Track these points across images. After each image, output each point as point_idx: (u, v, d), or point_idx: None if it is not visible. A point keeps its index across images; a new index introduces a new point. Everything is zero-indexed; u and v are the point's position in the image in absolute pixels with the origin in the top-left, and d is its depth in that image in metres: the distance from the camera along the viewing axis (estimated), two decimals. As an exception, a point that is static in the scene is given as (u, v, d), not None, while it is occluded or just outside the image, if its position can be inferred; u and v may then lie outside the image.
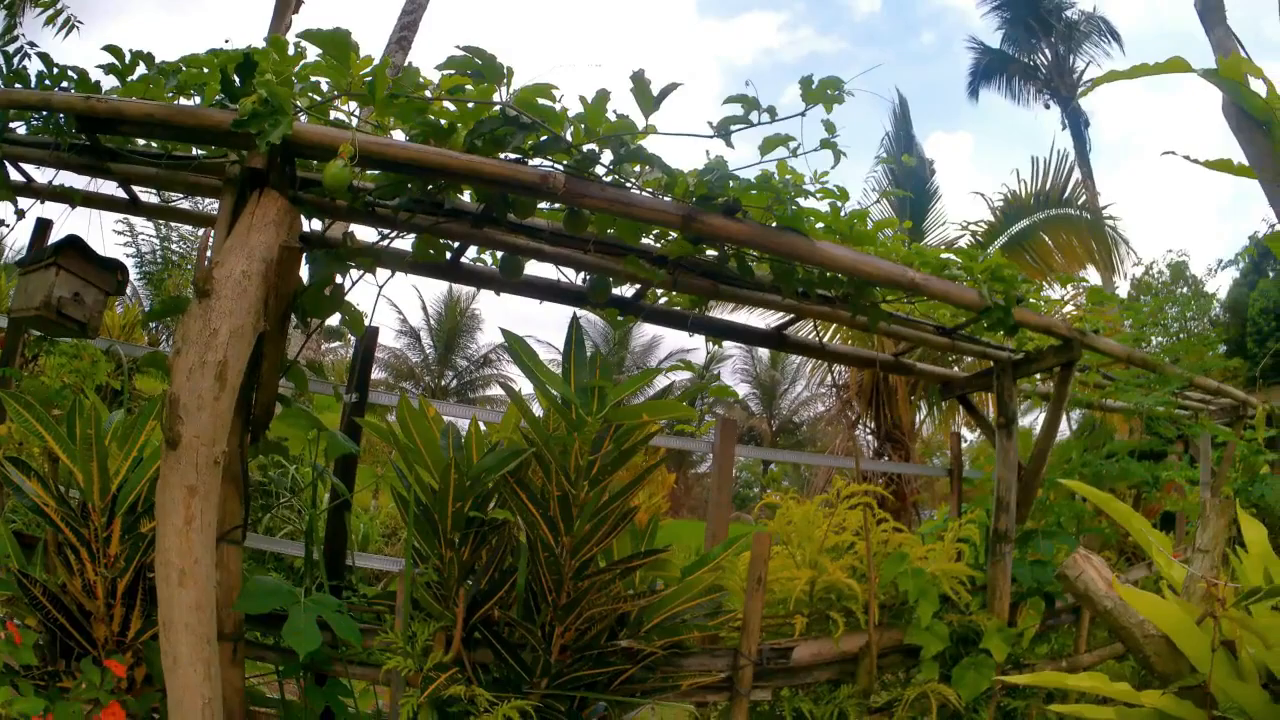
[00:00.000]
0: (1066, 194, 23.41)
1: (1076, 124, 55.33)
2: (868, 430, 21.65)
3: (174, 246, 21.88)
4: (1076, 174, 25.19)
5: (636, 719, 6.92)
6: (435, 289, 52.70)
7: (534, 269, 7.01)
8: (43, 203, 6.74)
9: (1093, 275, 23.37)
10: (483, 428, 6.40)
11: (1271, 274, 23.91)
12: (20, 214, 6.74)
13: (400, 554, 6.26)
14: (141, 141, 6.34)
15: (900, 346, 9.48)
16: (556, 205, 6.35)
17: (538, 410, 6.28)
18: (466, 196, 6.34)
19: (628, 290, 7.42)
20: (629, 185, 5.98)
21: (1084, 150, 54.07)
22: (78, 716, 5.18)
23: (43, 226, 7.04)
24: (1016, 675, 6.55)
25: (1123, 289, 23.06)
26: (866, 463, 18.45)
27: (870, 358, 9.73)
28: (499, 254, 6.84)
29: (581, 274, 7.07)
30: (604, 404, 5.77)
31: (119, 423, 6.04)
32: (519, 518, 5.99)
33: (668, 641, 6.51)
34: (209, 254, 5.31)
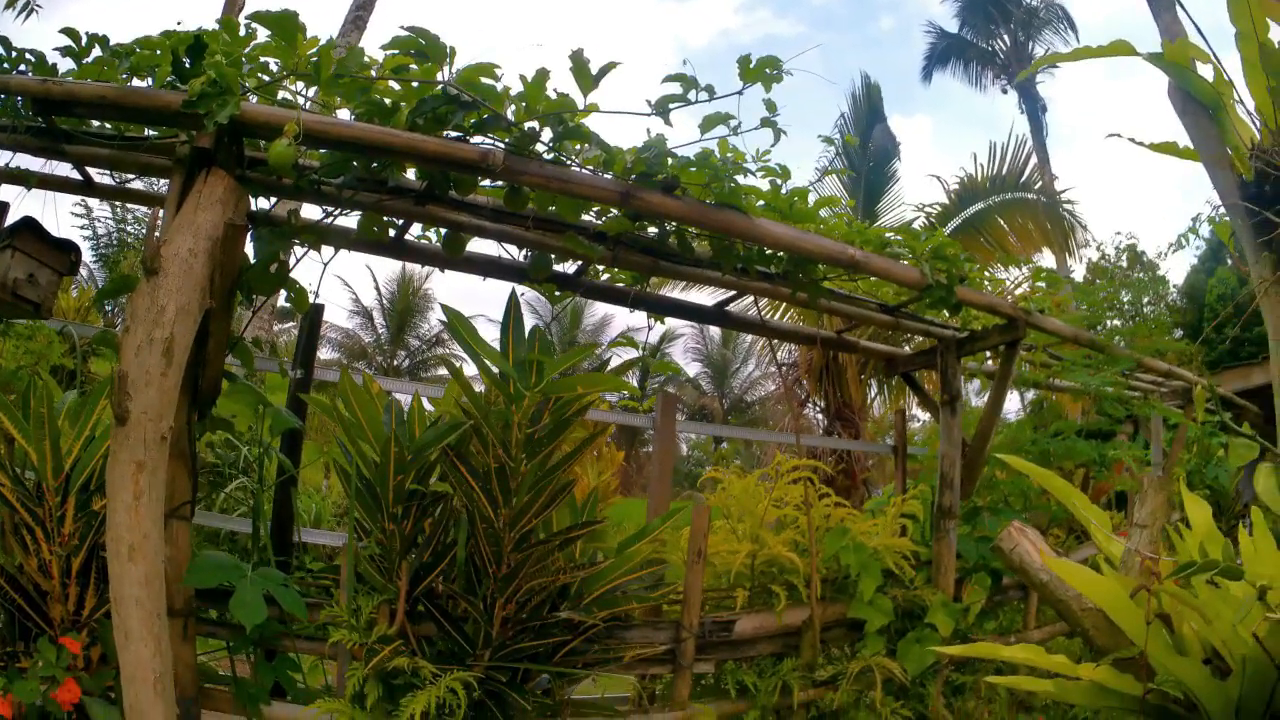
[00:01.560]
0: (1023, 178, 23.47)
1: (1034, 109, 55.55)
2: (817, 409, 21.71)
3: (130, 229, 21.82)
4: (1034, 159, 25.23)
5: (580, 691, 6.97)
6: (388, 269, 52.56)
7: (476, 246, 7.07)
8: (-2, 185, 6.77)
9: (1048, 259, 23.49)
10: (427, 404, 6.43)
11: (1229, 261, 24.02)
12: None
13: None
14: (96, 124, 6.37)
15: (846, 324, 9.55)
16: (498, 183, 6.41)
17: (479, 386, 6.33)
18: (411, 175, 6.37)
19: (570, 267, 7.47)
20: (569, 163, 6.02)
21: (1041, 136, 54.26)
22: (35, 694, 5.23)
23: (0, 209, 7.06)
24: (951, 647, 6.62)
25: (1079, 272, 23.16)
26: (812, 439, 18.50)
27: (812, 334, 9.78)
28: (442, 231, 6.88)
29: (523, 251, 7.11)
30: (542, 378, 5.81)
31: (72, 402, 6.09)
32: (459, 491, 6.04)
33: (609, 613, 6.54)
34: (158, 232, 5.35)
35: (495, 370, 5.91)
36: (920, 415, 23.19)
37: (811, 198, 7.09)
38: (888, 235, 7.67)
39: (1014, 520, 6.03)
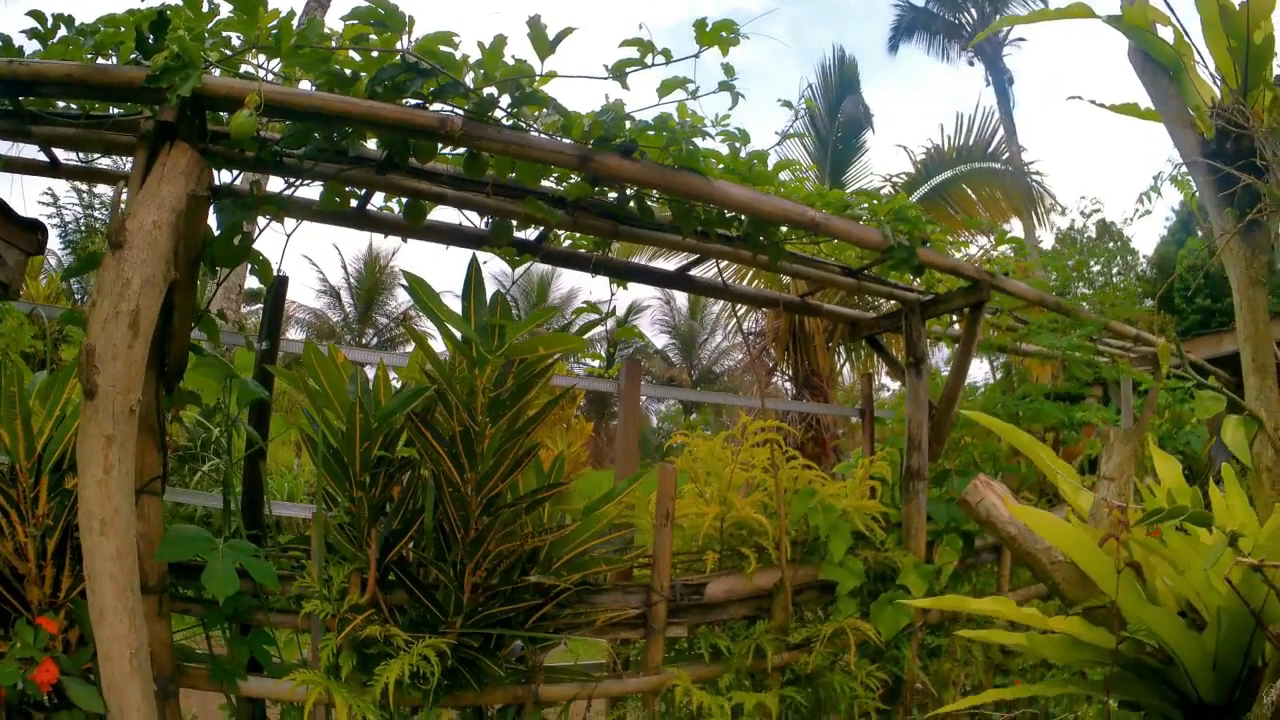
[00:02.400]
0: (991, 149, 23.56)
1: (1000, 82, 55.73)
2: (785, 377, 21.75)
3: (97, 214, 21.78)
4: (1001, 130, 25.33)
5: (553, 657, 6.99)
6: (354, 247, 52.43)
7: (438, 215, 7.09)
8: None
9: (1017, 228, 23.55)
10: (392, 375, 6.45)
11: (1200, 232, 24.10)
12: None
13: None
14: (62, 105, 6.37)
15: (810, 289, 9.57)
16: (458, 151, 6.43)
17: (443, 353, 6.35)
18: (372, 145, 6.39)
19: (532, 234, 7.48)
20: (528, 129, 6.04)
21: (1007, 107, 54.44)
22: (13, 677, 5.23)
23: (-34, 196, 7.05)
24: (920, 600, 6.64)
25: (1048, 243, 23.24)
26: (780, 403, 18.53)
27: (775, 298, 9.81)
28: (404, 201, 6.90)
29: (485, 219, 7.13)
30: (504, 342, 5.82)
31: (42, 383, 6.08)
32: (425, 456, 6.05)
33: (578, 577, 6.58)
34: (123, 207, 5.36)
35: (458, 335, 5.92)
36: (890, 385, 23.27)
37: (772, 161, 7.12)
38: (848, 197, 7.69)
39: (980, 475, 6.05)
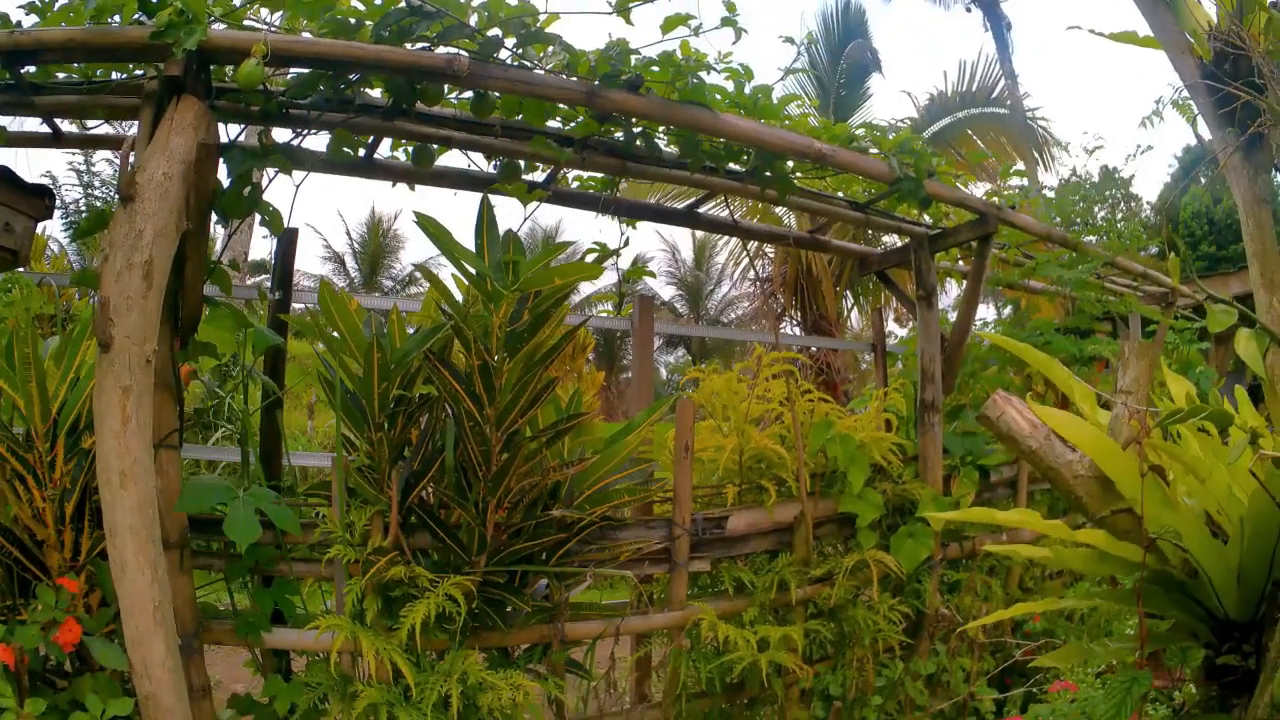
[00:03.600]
0: (994, 94, 23.57)
1: (999, 28, 55.48)
2: (794, 322, 21.75)
3: (98, 193, 21.74)
4: (1003, 77, 25.33)
5: (579, 595, 7.00)
6: (357, 214, 52.44)
7: (445, 161, 7.11)
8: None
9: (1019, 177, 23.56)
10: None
11: (1203, 180, 24.15)
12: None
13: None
14: (63, 76, 6.37)
15: (817, 224, 9.58)
16: (465, 94, 6.45)
17: (457, 296, 6.36)
18: (377, 94, 6.40)
19: (539, 176, 7.47)
20: (532, 68, 6.05)
21: (1006, 53, 54.26)
22: (35, 639, 5.22)
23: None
24: (947, 513, 6.63)
25: (1053, 188, 23.24)
26: (792, 338, 18.54)
27: (784, 233, 9.80)
28: (411, 149, 6.92)
29: (492, 162, 7.14)
30: (518, 278, 5.83)
31: (55, 346, 6.09)
32: (444, 393, 6.07)
33: (602, 510, 6.61)
34: (131, 162, 5.36)
35: (473, 271, 5.93)
36: (898, 331, 23.27)
37: (777, 96, 7.12)
38: (854, 130, 7.69)
39: (998, 390, 6.03)
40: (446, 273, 6.32)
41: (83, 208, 21.10)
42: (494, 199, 6.45)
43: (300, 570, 6.44)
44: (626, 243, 7.79)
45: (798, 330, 21.27)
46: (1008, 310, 12.89)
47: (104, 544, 5.36)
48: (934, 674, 8.09)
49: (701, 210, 8.85)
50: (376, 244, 45.76)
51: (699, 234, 41.24)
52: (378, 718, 5.90)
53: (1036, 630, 8.90)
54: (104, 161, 21.87)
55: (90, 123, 6.88)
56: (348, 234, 47.32)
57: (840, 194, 8.57)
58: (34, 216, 6.07)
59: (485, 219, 6.18)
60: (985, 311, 10.52)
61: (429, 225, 5.89)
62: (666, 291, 48.23)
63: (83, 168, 21.57)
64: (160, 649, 5.10)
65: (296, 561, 6.39)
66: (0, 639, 4.96)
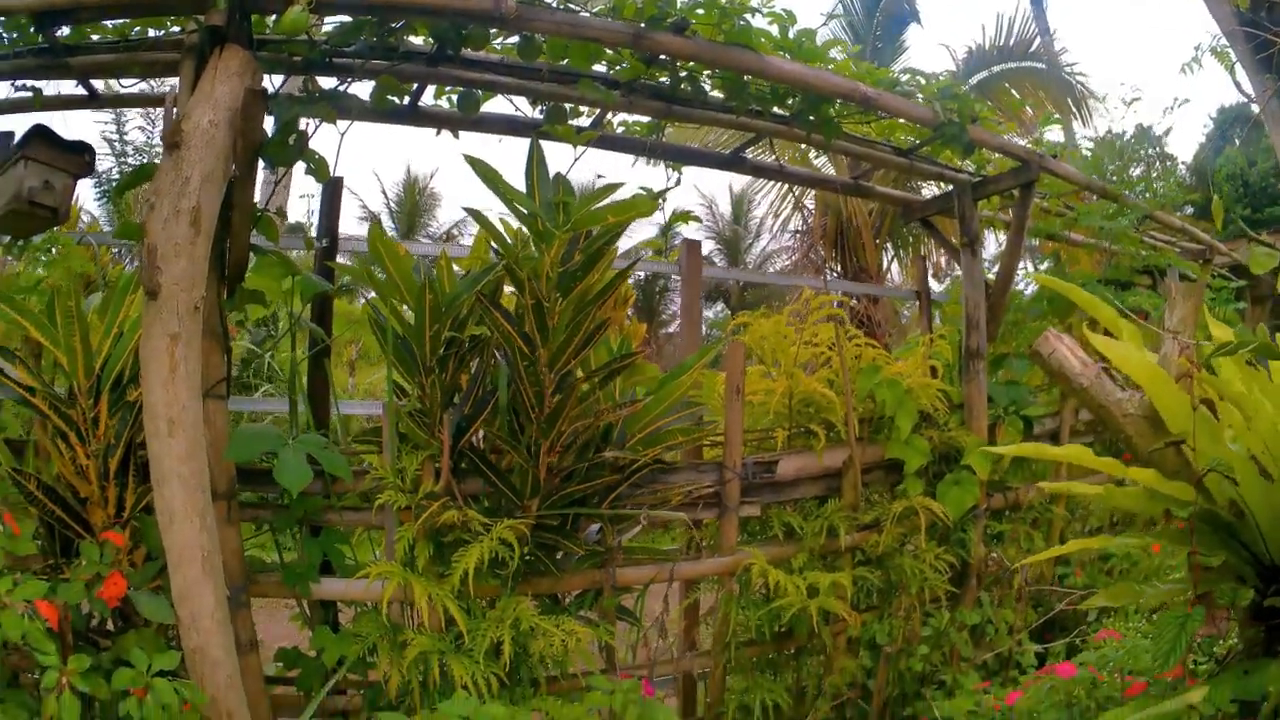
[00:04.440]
0: (1031, 49, 23.53)
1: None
2: (834, 274, 21.69)
3: (131, 160, 21.71)
4: (1040, 33, 25.26)
5: (633, 538, 6.99)
6: (393, 175, 52.43)
7: (489, 107, 7.08)
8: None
9: (1057, 133, 23.43)
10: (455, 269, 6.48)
11: (1237, 141, 24.05)
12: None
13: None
14: (95, 38, 6.35)
15: (858, 170, 9.56)
16: (510, 40, 6.43)
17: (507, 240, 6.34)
18: (421, 41, 6.38)
19: (585, 122, 7.45)
20: (579, 10, 6.02)
21: (1040, 6, 53.99)
22: (79, 595, 5.19)
23: (3, 140, 7.00)
24: (999, 448, 6.60)
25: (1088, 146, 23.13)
26: (838, 284, 18.48)
27: (829, 180, 9.78)
28: (455, 98, 6.90)
29: (538, 107, 7.11)
30: (569, 219, 5.82)
31: (98, 303, 6.07)
32: (496, 333, 6.05)
33: (654, 451, 6.62)
34: (175, 113, 5.34)
35: (524, 211, 5.92)
36: (935, 285, 23.24)
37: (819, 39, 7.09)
38: (897, 74, 7.65)
39: (1050, 328, 6.00)
40: (493, 219, 6.29)
41: (115, 175, 21.05)
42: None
43: (349, 519, 6.45)
44: (678, 182, 7.77)
45: (837, 301, 21.19)
46: (1045, 266, 12.83)
47: (149, 498, 5.37)
48: (978, 625, 8.06)
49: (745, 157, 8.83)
50: (413, 202, 45.61)
51: (736, 188, 41.17)
52: (428, 666, 5.91)
53: (1078, 585, 8.87)
54: (137, 129, 21.83)
55: (126, 82, 6.83)
56: (383, 193, 47.18)
57: (882, 139, 8.52)
58: (74, 174, 6.04)
59: (535, 161, 6.16)
60: (1023, 269, 10.41)
61: (480, 167, 5.86)
62: (705, 246, 48.00)
63: (115, 137, 21.56)
64: (209, 600, 5.12)
65: (345, 510, 6.39)
66: (43, 596, 4.91)
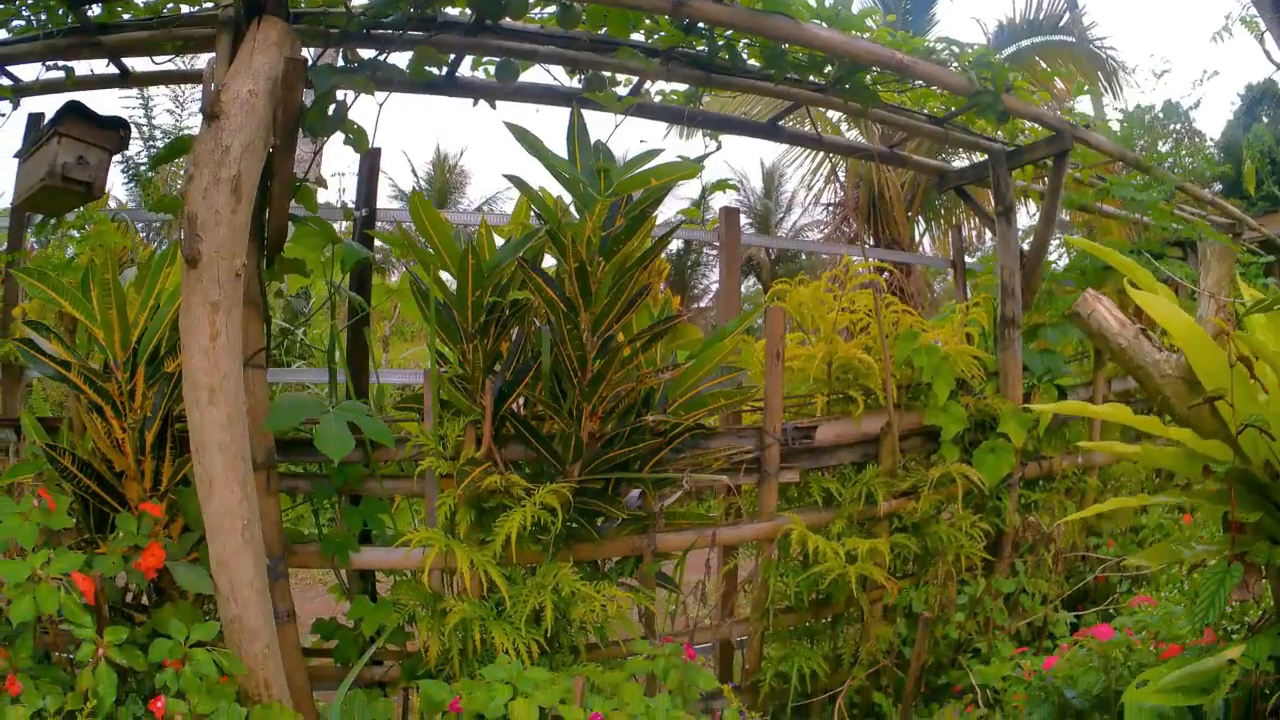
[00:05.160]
0: (1062, 22, 23.45)
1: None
2: (869, 245, 21.71)
3: (158, 144, 21.69)
4: (1068, 9, 25.19)
5: (673, 505, 7.01)
6: (422, 155, 52.55)
7: (527, 77, 7.07)
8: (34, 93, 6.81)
9: (1086, 105, 23.41)
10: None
11: (1265, 119, 23.98)
12: (15, 103, 6.80)
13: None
14: (127, 16, 6.38)
15: (893, 140, 9.58)
16: (549, 9, 6.45)
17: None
18: (458, 12, 6.39)
19: (622, 92, 7.44)
20: (617, -22, 6.05)
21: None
22: (116, 567, 5.20)
23: (35, 121, 7.04)
24: (1040, 405, 6.60)
25: (1116, 123, 23.08)
26: (875, 252, 18.45)
27: (865, 148, 9.79)
28: (492, 69, 6.92)
29: (576, 76, 7.13)
30: (610, 184, 5.84)
31: (134, 277, 6.08)
32: (538, 297, 6.08)
33: (694, 416, 6.63)
34: (213, 86, 5.36)
35: (567, 176, 5.94)
36: (967, 258, 23.21)
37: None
38: (932, 43, 7.66)
39: (1088, 289, 6.01)
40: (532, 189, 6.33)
41: (143, 159, 21.06)
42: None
43: (390, 488, 6.50)
44: (719, 147, 7.80)
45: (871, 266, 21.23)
46: (1074, 252, 12.86)
47: (186, 470, 5.44)
48: (1012, 594, 8.09)
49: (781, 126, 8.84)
50: (443, 180, 45.65)
51: (768, 163, 41.18)
52: (469, 633, 5.94)
53: (1110, 554, 8.89)
54: (165, 113, 21.81)
55: (158, 59, 6.85)
56: (413, 172, 47.31)
57: (917, 108, 8.53)
58: (109, 149, 6.07)
59: (576, 128, 6.18)
60: (1055, 244, 10.41)
61: (522, 135, 5.88)
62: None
63: (143, 121, 21.55)
64: (248, 569, 5.18)
65: (386, 479, 6.43)
66: (79, 569, 4.93)
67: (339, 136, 6.16)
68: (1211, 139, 24.27)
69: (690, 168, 6.20)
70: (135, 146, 21.32)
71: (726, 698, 6.18)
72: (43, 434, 5.91)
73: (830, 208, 25.44)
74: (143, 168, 20.19)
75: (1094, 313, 5.41)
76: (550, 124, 6.44)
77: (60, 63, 6.56)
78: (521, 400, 6.46)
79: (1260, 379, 4.98)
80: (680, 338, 6.87)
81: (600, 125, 6.97)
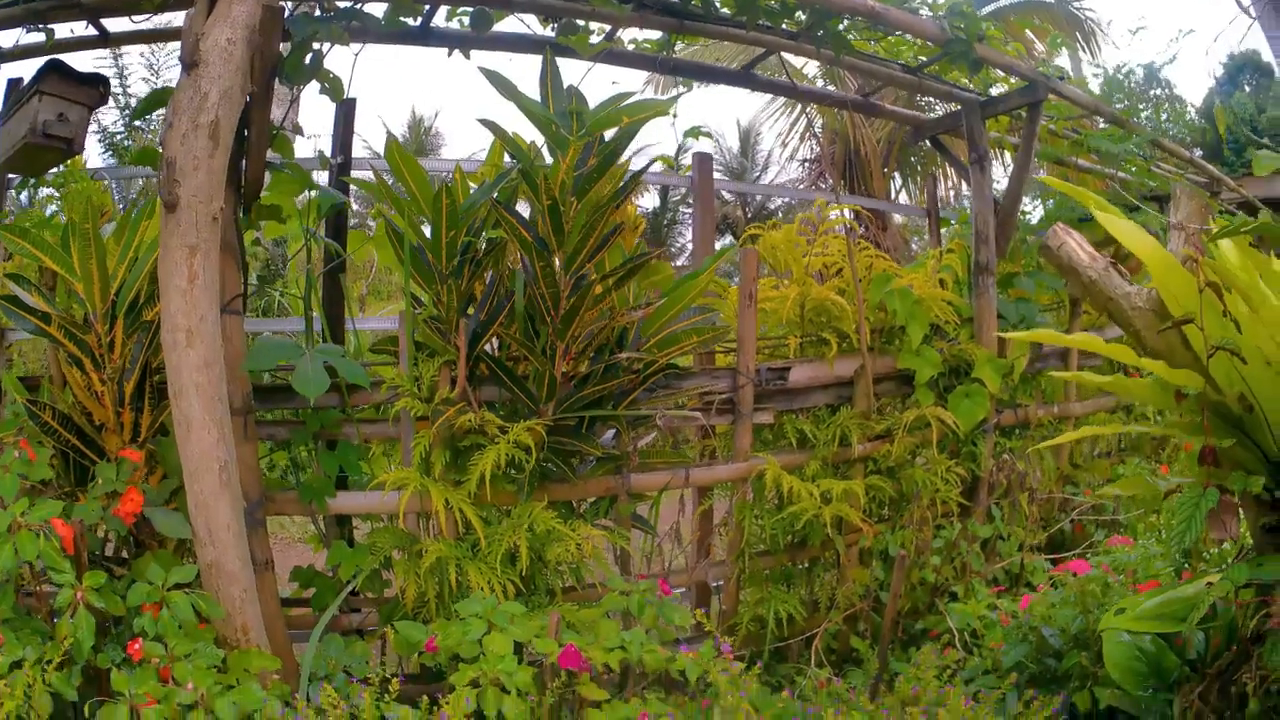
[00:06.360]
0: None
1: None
2: (845, 214, 21.70)
3: (139, 123, 21.62)
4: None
5: (647, 446, 7.06)
6: (398, 116, 52.59)
7: (501, 27, 7.13)
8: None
9: (1065, 61, 23.40)
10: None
11: (1248, 88, 24.00)
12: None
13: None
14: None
15: (870, 94, 9.61)
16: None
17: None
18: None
19: (595, 40, 7.45)
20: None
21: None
22: (96, 514, 5.27)
23: (13, 86, 7.03)
24: (1014, 334, 6.64)
25: (1095, 85, 23.07)
26: (849, 198, 18.45)
27: (839, 96, 9.81)
28: (466, 19, 6.97)
29: (549, 25, 7.14)
30: (584, 126, 5.88)
31: (114, 228, 6.12)
32: (512, 238, 6.13)
33: (668, 353, 6.70)
34: (192, 36, 5.39)
35: (540, 118, 5.98)
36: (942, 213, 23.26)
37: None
38: (902, -8, 7.71)
39: (1058, 223, 6.04)
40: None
41: (120, 129, 21.02)
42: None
43: (366, 432, 6.58)
44: (690, 89, 7.84)
45: (847, 212, 21.23)
46: (1050, 204, 12.88)
47: (164, 417, 5.52)
48: (989, 540, 8.15)
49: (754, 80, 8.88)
50: (418, 142, 45.57)
51: (744, 121, 41.17)
52: (445, 574, 6.00)
53: (1086, 502, 8.97)
54: (140, 80, 21.77)
55: (136, 18, 6.85)
56: (389, 135, 47.48)
57: (891, 58, 8.57)
58: (89, 105, 6.11)
59: (549, 73, 6.21)
60: (1032, 202, 10.42)
61: (495, 79, 5.91)
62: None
63: (119, 90, 21.50)
64: (225, 512, 5.25)
65: (362, 423, 6.51)
66: (59, 515, 4.97)
67: (321, 116, 6.20)
68: (1193, 105, 24.31)
69: (661, 104, 6.24)
70: (112, 115, 21.31)
71: (698, 621, 6.18)
72: (23, 391, 5.97)
73: (806, 163, 25.47)
74: (119, 137, 20.16)
75: (1063, 245, 5.45)
76: (525, 75, 6.47)
77: (40, 25, 6.58)
78: (496, 342, 6.54)
79: (1233, 313, 5.01)
80: (653, 275, 6.91)
81: (573, 75, 6.99)
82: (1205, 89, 25.23)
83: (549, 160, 6.19)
